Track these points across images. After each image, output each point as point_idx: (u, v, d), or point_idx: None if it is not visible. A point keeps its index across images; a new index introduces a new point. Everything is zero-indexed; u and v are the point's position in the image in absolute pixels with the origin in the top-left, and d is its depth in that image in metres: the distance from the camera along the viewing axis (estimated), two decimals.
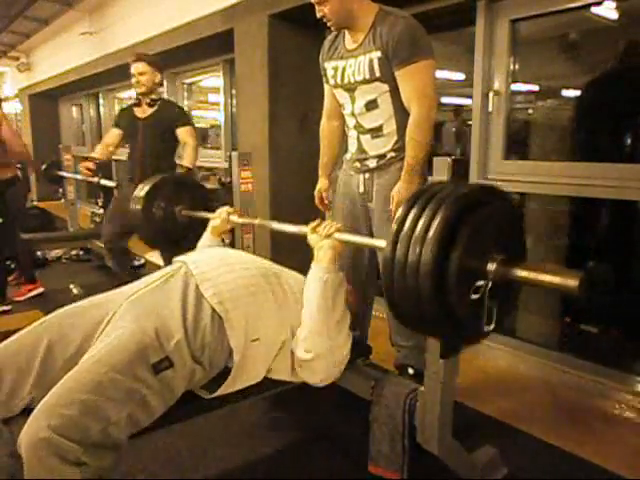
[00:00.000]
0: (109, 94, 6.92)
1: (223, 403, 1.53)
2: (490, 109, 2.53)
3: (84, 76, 6.07)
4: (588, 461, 1.76)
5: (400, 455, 1.48)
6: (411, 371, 2.07)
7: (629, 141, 2.49)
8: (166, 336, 1.34)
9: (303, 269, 1.70)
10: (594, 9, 2.28)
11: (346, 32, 1.94)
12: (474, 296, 1.08)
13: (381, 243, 1.23)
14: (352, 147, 2.07)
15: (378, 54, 1.82)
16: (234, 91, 4.36)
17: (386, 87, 1.86)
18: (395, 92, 1.85)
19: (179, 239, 2.32)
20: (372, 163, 1.99)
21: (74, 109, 8.35)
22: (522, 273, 1.09)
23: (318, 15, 1.87)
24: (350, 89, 1.95)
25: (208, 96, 5.72)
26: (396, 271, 1.08)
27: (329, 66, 2.02)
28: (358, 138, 2.01)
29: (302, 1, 2.84)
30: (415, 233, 1.05)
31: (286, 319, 1.53)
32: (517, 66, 2.52)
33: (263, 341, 1.48)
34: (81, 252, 4.80)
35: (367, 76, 1.86)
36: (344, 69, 1.94)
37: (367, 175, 2.01)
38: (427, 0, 2.63)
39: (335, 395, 1.64)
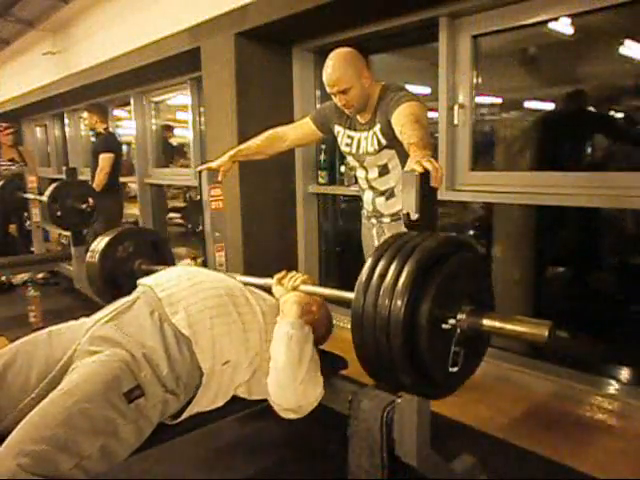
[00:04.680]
0: (74, 114, 6.81)
1: (199, 424, 1.50)
2: (456, 122, 2.59)
3: (48, 96, 5.97)
4: (563, 464, 1.79)
5: (379, 469, 1.48)
6: None
7: (589, 150, 2.58)
8: (136, 365, 1.30)
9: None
10: (551, 25, 2.36)
11: None
12: (444, 329, 1.06)
13: (349, 295, 1.21)
14: (368, 206, 2.21)
15: (379, 126, 1.98)
16: (202, 109, 4.35)
17: (392, 151, 2.00)
18: (402, 153, 1.90)
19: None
20: (387, 219, 2.15)
21: (38, 130, 8.20)
22: (491, 323, 1.09)
23: (339, 103, 2.00)
24: (360, 160, 2.12)
25: (176, 114, 5.70)
26: (365, 322, 1.05)
27: (345, 133, 2.15)
28: (374, 201, 2.15)
29: (268, 19, 2.86)
30: (384, 284, 1.03)
31: (252, 341, 1.51)
32: (480, 79, 2.59)
33: (232, 364, 1.46)
34: (48, 275, 4.68)
35: (376, 147, 2.02)
36: (359, 141, 2.09)
37: (381, 229, 2.18)
38: (393, 17, 2.69)
39: (312, 410, 1.62)
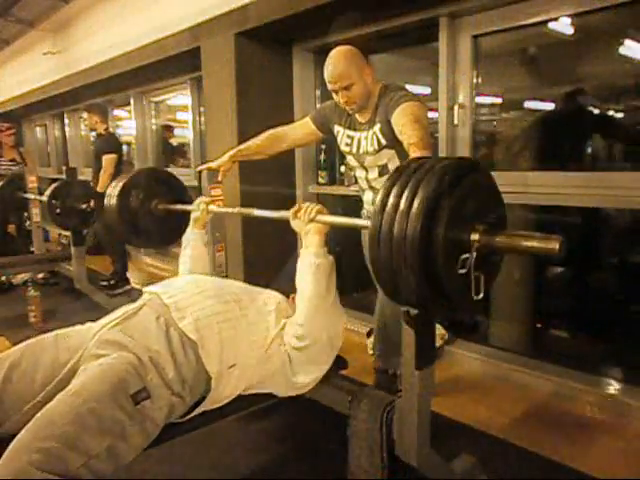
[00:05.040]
0: (74, 114, 6.81)
1: (200, 424, 1.50)
2: (456, 122, 2.59)
3: (48, 96, 5.97)
4: (563, 464, 1.79)
5: (379, 469, 1.48)
6: (391, 371, 2.21)
7: (589, 150, 2.58)
8: (142, 368, 1.31)
9: (277, 286, 1.69)
10: (551, 25, 2.36)
11: None
12: (461, 271, 1.09)
13: (366, 222, 1.23)
14: (368, 206, 2.20)
15: (379, 126, 1.97)
16: (202, 109, 4.35)
17: (392, 151, 1.98)
18: (402, 153, 1.90)
19: (154, 233, 2.28)
20: None
21: (38, 130, 8.20)
22: (505, 240, 1.13)
23: (342, 100, 1.97)
24: (360, 160, 2.10)
25: (176, 114, 5.70)
26: (382, 247, 1.08)
27: (344, 133, 2.13)
28: (374, 202, 2.10)
29: (268, 19, 2.86)
30: (399, 208, 1.07)
31: (260, 341, 1.51)
32: (480, 79, 2.59)
33: (238, 367, 1.46)
34: (48, 275, 4.67)
35: (376, 147, 2.01)
36: (359, 141, 2.07)
37: None
38: (393, 17, 2.69)
39: (313, 410, 1.62)
